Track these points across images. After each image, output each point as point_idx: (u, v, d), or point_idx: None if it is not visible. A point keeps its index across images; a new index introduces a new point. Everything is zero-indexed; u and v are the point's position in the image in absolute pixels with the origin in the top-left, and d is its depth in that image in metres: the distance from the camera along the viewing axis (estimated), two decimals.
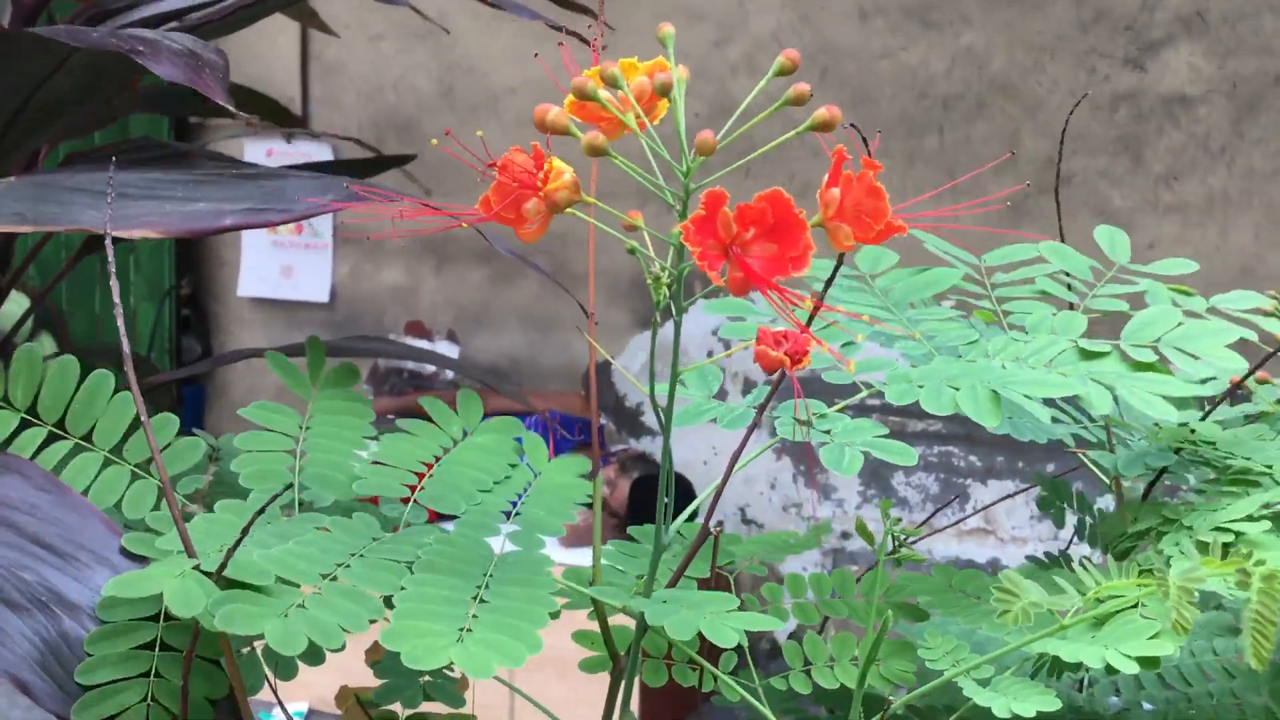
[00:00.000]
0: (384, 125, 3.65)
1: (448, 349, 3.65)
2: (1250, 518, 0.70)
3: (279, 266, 3.69)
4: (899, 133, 3.26)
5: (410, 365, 3.67)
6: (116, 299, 0.70)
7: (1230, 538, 0.70)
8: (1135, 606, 0.68)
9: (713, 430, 0.82)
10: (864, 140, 0.81)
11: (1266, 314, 0.87)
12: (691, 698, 0.94)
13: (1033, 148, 3.16)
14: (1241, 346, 0.96)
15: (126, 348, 0.70)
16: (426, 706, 0.89)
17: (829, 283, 0.80)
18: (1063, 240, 0.95)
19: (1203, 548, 0.70)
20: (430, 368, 3.61)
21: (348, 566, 0.72)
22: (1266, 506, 0.71)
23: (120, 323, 0.70)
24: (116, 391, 0.86)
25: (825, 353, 0.76)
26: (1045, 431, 0.97)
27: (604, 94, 0.71)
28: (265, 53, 3.71)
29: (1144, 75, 3.08)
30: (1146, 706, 0.92)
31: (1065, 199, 3.13)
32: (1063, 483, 1.12)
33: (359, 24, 3.66)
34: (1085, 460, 1.01)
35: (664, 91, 0.70)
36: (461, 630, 0.66)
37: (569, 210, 0.71)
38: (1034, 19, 3.16)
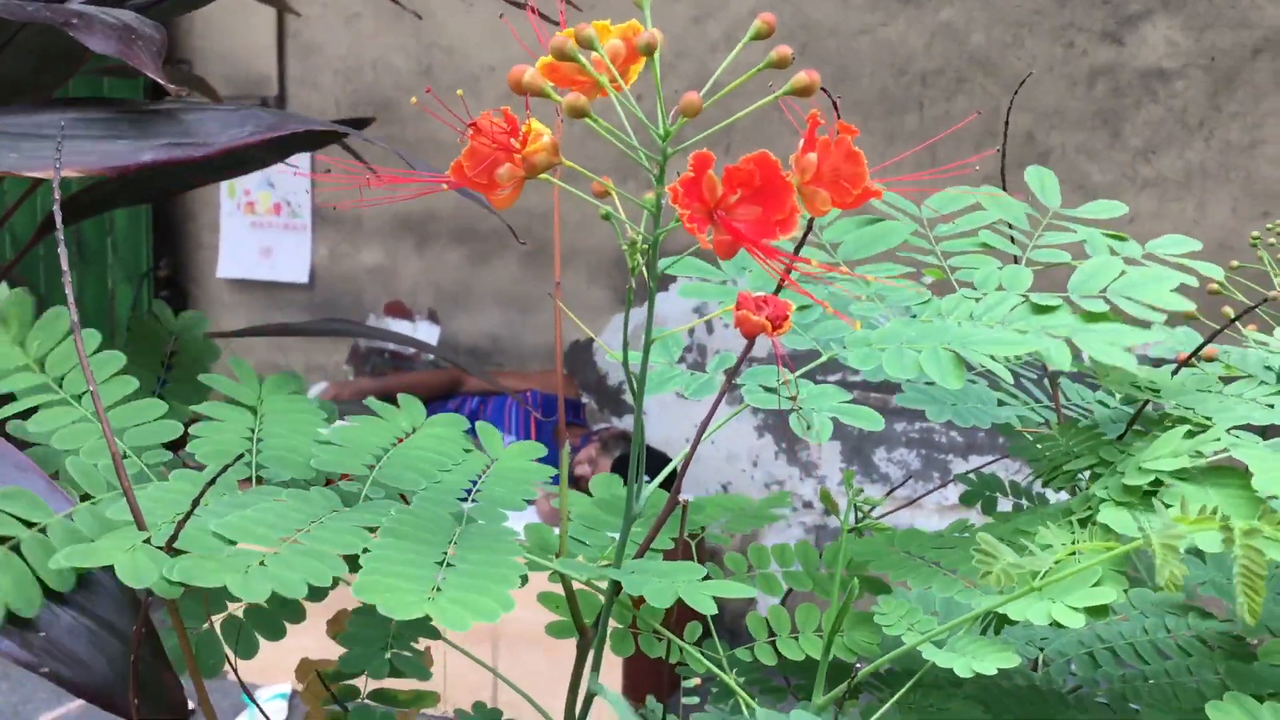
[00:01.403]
0: (362, 105, 3.63)
1: (428, 329, 3.64)
2: (1174, 454, 0.70)
3: (258, 247, 3.67)
4: (879, 110, 3.25)
5: (391, 346, 3.66)
6: (65, 266, 0.69)
7: (1149, 479, 0.70)
8: (1073, 554, 0.67)
9: (695, 408, 0.82)
10: (834, 105, 0.80)
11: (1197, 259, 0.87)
12: (675, 679, 0.94)
13: (1011, 123, 3.15)
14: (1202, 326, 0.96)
15: (72, 301, 0.69)
16: (392, 682, 0.89)
17: (800, 244, 0.80)
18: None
19: (1131, 491, 0.70)
20: (412, 348, 3.60)
21: (308, 531, 0.71)
22: (1197, 453, 0.71)
23: (69, 289, 0.69)
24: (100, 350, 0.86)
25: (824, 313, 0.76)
26: (990, 415, 0.97)
27: (580, 55, 0.70)
28: (241, 32, 3.68)
29: (1121, 49, 3.08)
30: (1103, 684, 0.92)
31: None
32: (989, 475, 1.13)
33: (336, 3, 3.63)
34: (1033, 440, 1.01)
35: (648, 50, 0.69)
36: (432, 589, 0.65)
37: (543, 176, 0.70)
38: None
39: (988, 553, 0.62)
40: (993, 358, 0.74)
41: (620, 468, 3.32)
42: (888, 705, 0.75)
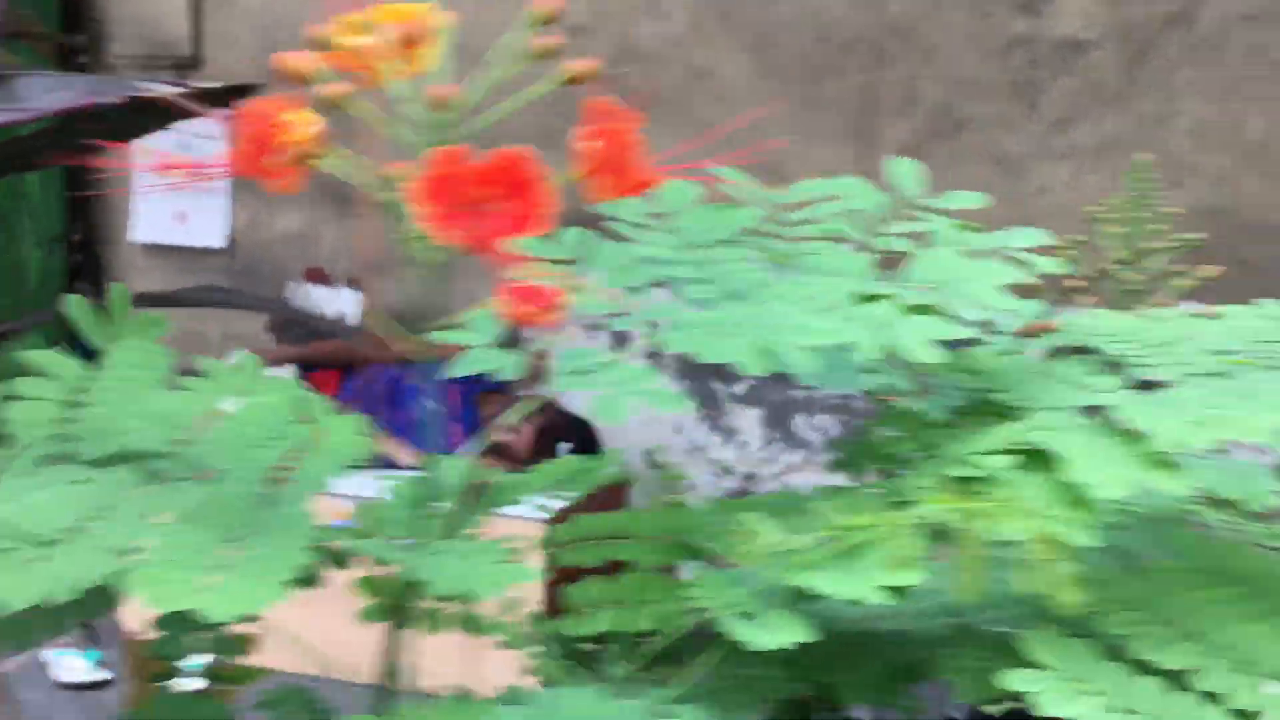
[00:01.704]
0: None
1: (349, 296, 3.61)
2: (993, 452, 0.71)
3: (172, 211, 3.61)
4: (798, 76, 3.25)
5: (313, 313, 3.64)
6: None
7: (974, 471, 0.71)
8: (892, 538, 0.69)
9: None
10: (623, 95, 0.81)
11: (1047, 253, 0.88)
12: None
13: (928, 93, 3.17)
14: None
15: None
16: (220, 659, 0.89)
17: (565, 243, 0.80)
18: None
19: (952, 483, 0.71)
20: (333, 316, 3.58)
21: (98, 518, 0.70)
22: (1011, 443, 0.72)
23: None
24: None
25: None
26: (856, 383, 0.99)
27: (360, 41, 0.71)
28: None
29: (1038, 20, 3.09)
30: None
31: (959, 146, 3.15)
32: (865, 443, 1.15)
33: None
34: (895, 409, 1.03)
35: (409, 43, 0.70)
36: (204, 577, 0.65)
37: (319, 163, 0.71)
38: None
39: (744, 533, 0.63)
40: (801, 348, 0.75)
41: (544, 436, 3.33)
42: (699, 673, 0.76)
